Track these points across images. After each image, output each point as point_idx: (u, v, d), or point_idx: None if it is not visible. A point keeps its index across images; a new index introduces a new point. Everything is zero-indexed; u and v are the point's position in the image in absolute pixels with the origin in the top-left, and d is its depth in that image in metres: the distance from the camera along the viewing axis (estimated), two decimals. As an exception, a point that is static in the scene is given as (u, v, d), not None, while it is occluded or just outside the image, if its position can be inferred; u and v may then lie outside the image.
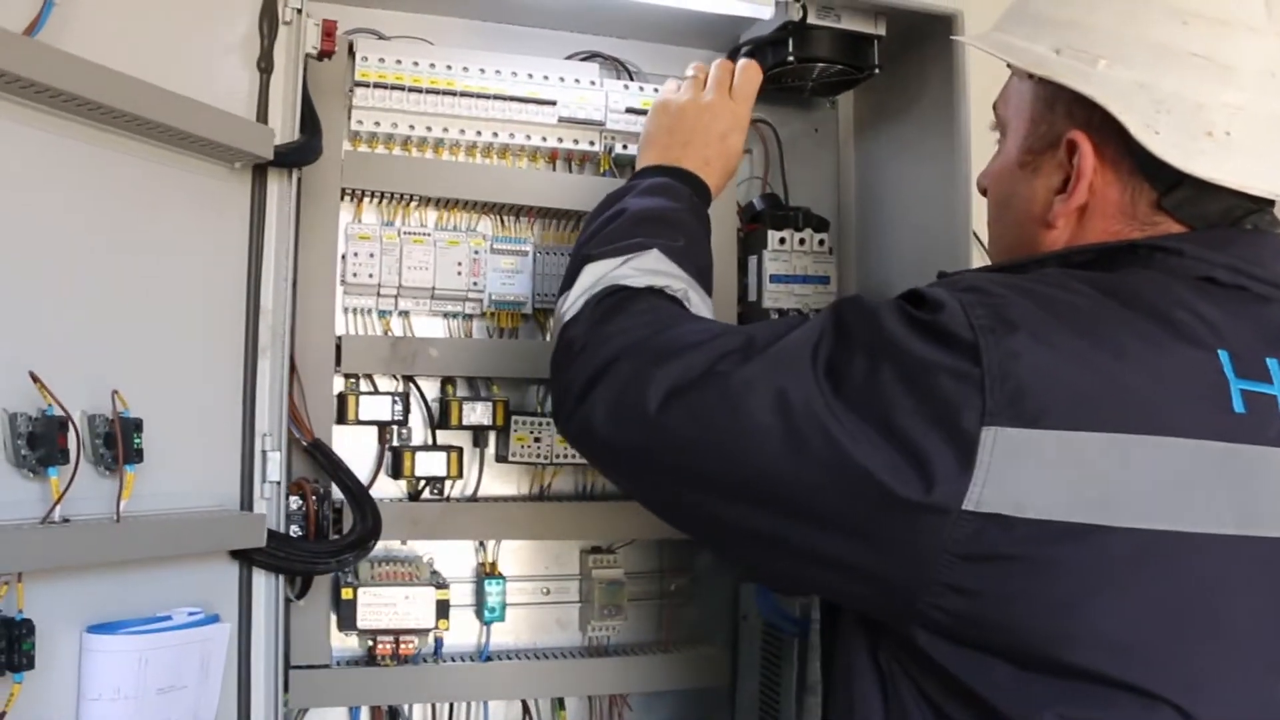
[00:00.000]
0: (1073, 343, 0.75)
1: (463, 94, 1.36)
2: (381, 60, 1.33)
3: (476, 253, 1.39)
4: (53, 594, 0.93)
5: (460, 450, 1.38)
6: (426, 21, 1.44)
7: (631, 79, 1.49)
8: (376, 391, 1.37)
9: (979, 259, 1.35)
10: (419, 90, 1.34)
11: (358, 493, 1.26)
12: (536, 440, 1.40)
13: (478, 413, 1.38)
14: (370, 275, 1.35)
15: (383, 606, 1.31)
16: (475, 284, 1.39)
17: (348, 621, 1.30)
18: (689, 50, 1.53)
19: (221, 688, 1.08)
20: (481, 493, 1.44)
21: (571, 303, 1.00)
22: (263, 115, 1.14)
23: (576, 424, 0.93)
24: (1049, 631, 0.73)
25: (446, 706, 1.40)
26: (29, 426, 0.90)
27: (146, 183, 1.03)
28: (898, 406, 0.75)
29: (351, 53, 1.33)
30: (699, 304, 1.01)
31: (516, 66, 1.38)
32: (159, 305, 1.05)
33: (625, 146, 1.43)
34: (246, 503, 1.13)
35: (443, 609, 1.33)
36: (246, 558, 1.11)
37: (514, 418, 1.40)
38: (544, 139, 1.40)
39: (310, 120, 1.18)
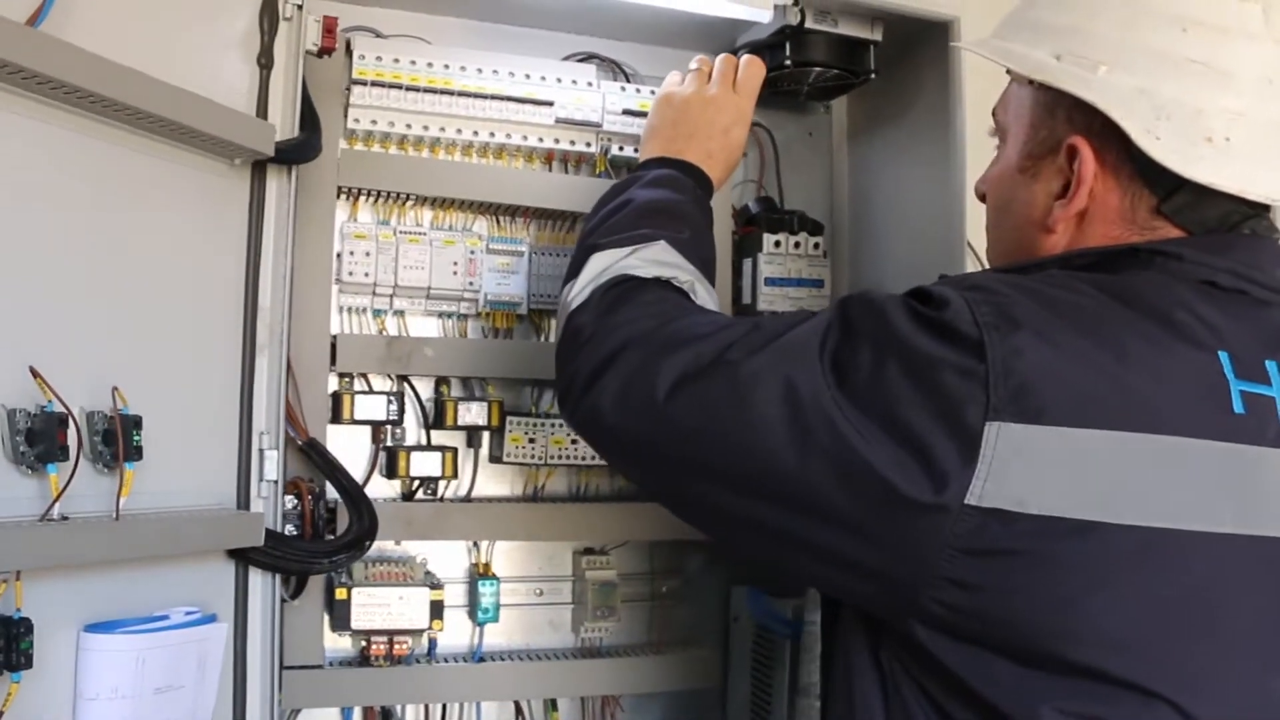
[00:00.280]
0: (1076, 341, 0.76)
1: (460, 93, 1.36)
2: (379, 59, 1.33)
3: (472, 253, 1.39)
4: (50, 592, 0.92)
5: (455, 450, 1.38)
6: (424, 20, 1.43)
7: (628, 81, 1.49)
8: (371, 391, 1.37)
9: (972, 265, 1.35)
10: (416, 89, 1.34)
11: (354, 493, 1.25)
12: (531, 441, 1.40)
13: (473, 413, 1.38)
14: (366, 274, 1.34)
15: (377, 607, 1.31)
16: (471, 284, 1.39)
17: (341, 622, 1.30)
18: (686, 53, 1.51)
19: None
20: (475, 493, 1.44)
21: (578, 291, 1.00)
22: (262, 111, 1.13)
23: (583, 412, 0.93)
24: (1049, 627, 0.74)
25: (439, 707, 1.40)
26: (28, 422, 0.89)
27: (146, 178, 1.03)
28: (902, 401, 0.75)
29: (349, 50, 1.33)
30: (705, 296, 1.02)
31: (514, 67, 1.38)
32: (157, 301, 1.04)
33: (622, 148, 1.44)
34: (243, 501, 1.12)
35: (437, 609, 1.32)
36: (243, 557, 1.11)
37: (509, 418, 1.40)
38: (540, 140, 1.40)
39: (310, 117, 1.18)
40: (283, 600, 1.20)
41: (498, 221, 1.45)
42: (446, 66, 1.35)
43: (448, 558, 1.43)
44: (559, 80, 1.40)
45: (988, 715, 0.76)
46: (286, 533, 1.19)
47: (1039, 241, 0.92)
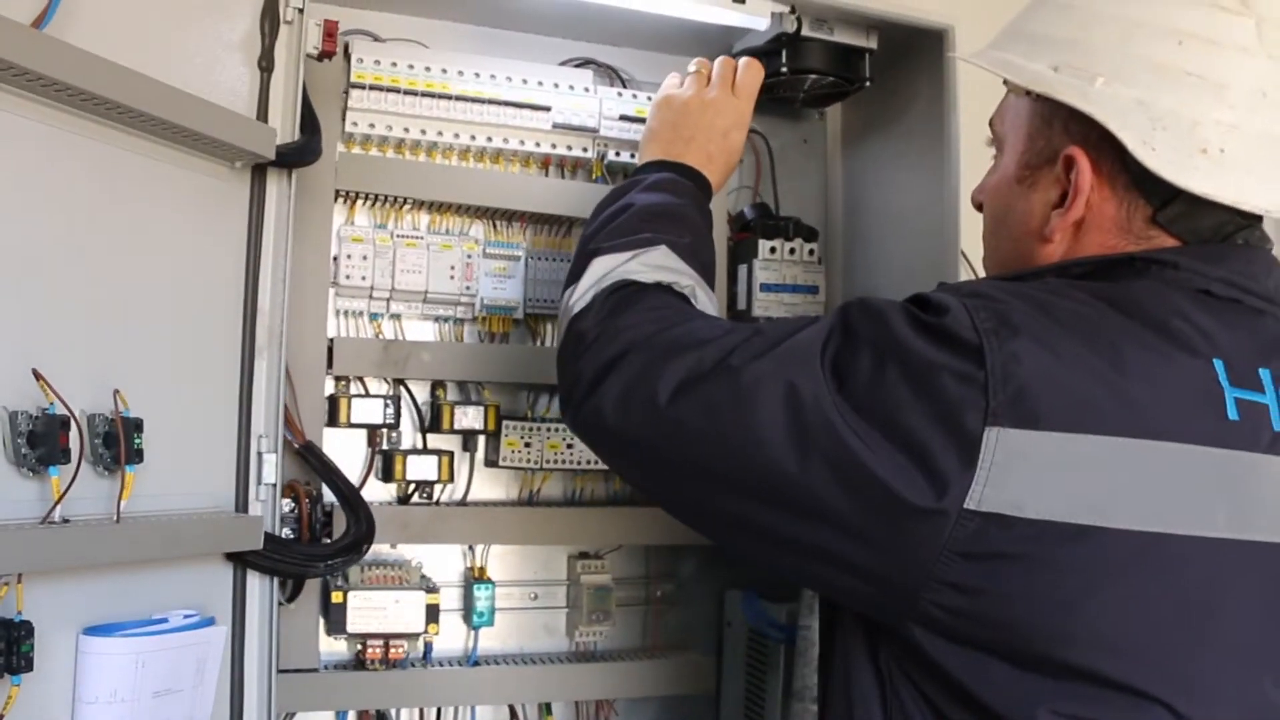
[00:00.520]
0: (1073, 348, 0.77)
1: (458, 98, 1.36)
2: (377, 62, 1.33)
3: (469, 257, 1.39)
4: (50, 595, 0.92)
5: (451, 454, 1.38)
6: (422, 24, 1.44)
7: (625, 86, 1.50)
8: (368, 394, 1.37)
9: (966, 274, 1.36)
10: (414, 93, 1.34)
11: (351, 496, 1.25)
12: (527, 445, 1.40)
13: (469, 417, 1.38)
14: (363, 278, 1.35)
15: (373, 610, 1.31)
16: (467, 288, 1.39)
17: (337, 625, 1.30)
18: (682, 59, 1.52)
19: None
20: (471, 497, 1.44)
21: (579, 295, 1.00)
22: (262, 114, 1.13)
23: (585, 415, 0.93)
24: (1046, 630, 0.75)
25: (434, 711, 1.40)
26: (29, 425, 0.89)
27: (148, 180, 1.02)
28: (902, 406, 0.76)
29: (347, 54, 1.33)
30: (705, 301, 1.02)
31: (511, 71, 1.39)
32: (157, 304, 1.04)
33: (618, 153, 1.44)
34: (241, 504, 1.12)
35: (432, 613, 1.33)
36: (242, 560, 1.11)
37: (505, 422, 1.40)
38: (537, 144, 1.41)
39: (309, 121, 1.18)
40: (279, 603, 1.20)
41: (494, 226, 1.45)
42: (444, 71, 1.36)
43: (443, 561, 1.43)
44: (556, 85, 1.41)
45: (985, 717, 0.77)
46: (284, 536, 1.19)
47: (1036, 250, 0.93)
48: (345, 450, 1.37)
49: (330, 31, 1.19)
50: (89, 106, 0.94)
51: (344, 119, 1.33)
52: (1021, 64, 0.93)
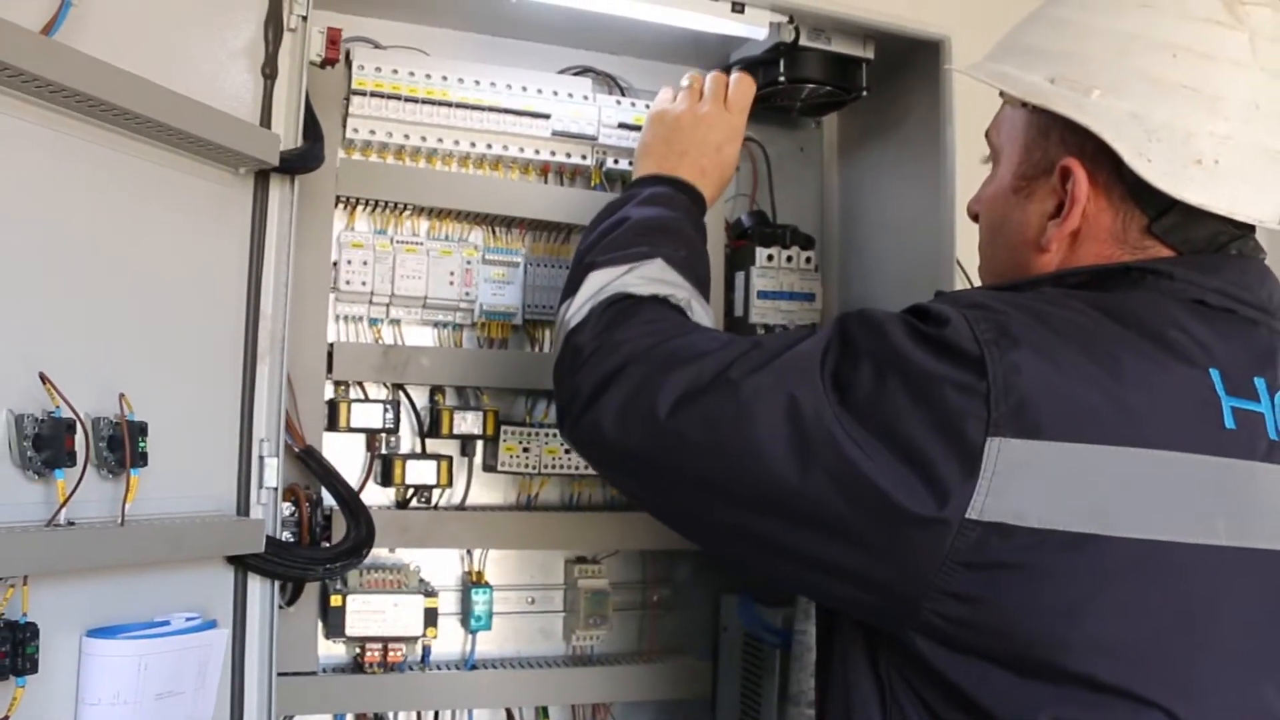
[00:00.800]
0: (1073, 358, 0.78)
1: (458, 105, 1.37)
2: (378, 69, 1.34)
3: (468, 263, 1.40)
4: (54, 597, 0.92)
5: (450, 459, 1.39)
6: (423, 32, 1.45)
7: (624, 95, 1.51)
8: (367, 399, 1.38)
9: (961, 283, 1.38)
10: (414, 100, 1.35)
11: (351, 500, 1.26)
12: (525, 450, 1.41)
13: (468, 422, 1.39)
14: (363, 283, 1.35)
15: (371, 614, 1.32)
16: (467, 294, 1.40)
17: (336, 629, 1.30)
18: (681, 67, 1.54)
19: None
20: (469, 502, 1.45)
21: (576, 309, 1.01)
22: (266, 121, 1.14)
23: (584, 428, 0.94)
24: (1047, 638, 0.76)
25: (432, 715, 1.40)
26: (35, 428, 0.89)
27: (153, 186, 1.03)
28: (903, 416, 0.77)
29: (348, 61, 1.34)
30: (701, 313, 1.03)
31: (511, 79, 1.40)
32: (161, 308, 1.05)
33: (617, 161, 1.45)
34: (243, 508, 1.13)
35: (431, 617, 1.34)
36: (243, 563, 1.11)
37: (503, 427, 1.41)
38: (536, 152, 1.42)
39: (312, 127, 1.19)
40: (279, 607, 1.20)
41: (494, 232, 1.46)
42: (445, 78, 1.37)
43: (441, 565, 1.44)
44: (555, 93, 1.42)
45: None
46: (284, 539, 1.20)
47: (1033, 260, 0.94)
48: (345, 455, 1.37)
49: (334, 39, 1.20)
50: (96, 112, 0.94)
51: (345, 125, 1.34)
52: (1018, 76, 0.94)
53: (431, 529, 1.37)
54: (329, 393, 1.35)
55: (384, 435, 1.39)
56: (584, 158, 1.44)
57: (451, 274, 1.39)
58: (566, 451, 1.42)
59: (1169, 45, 0.87)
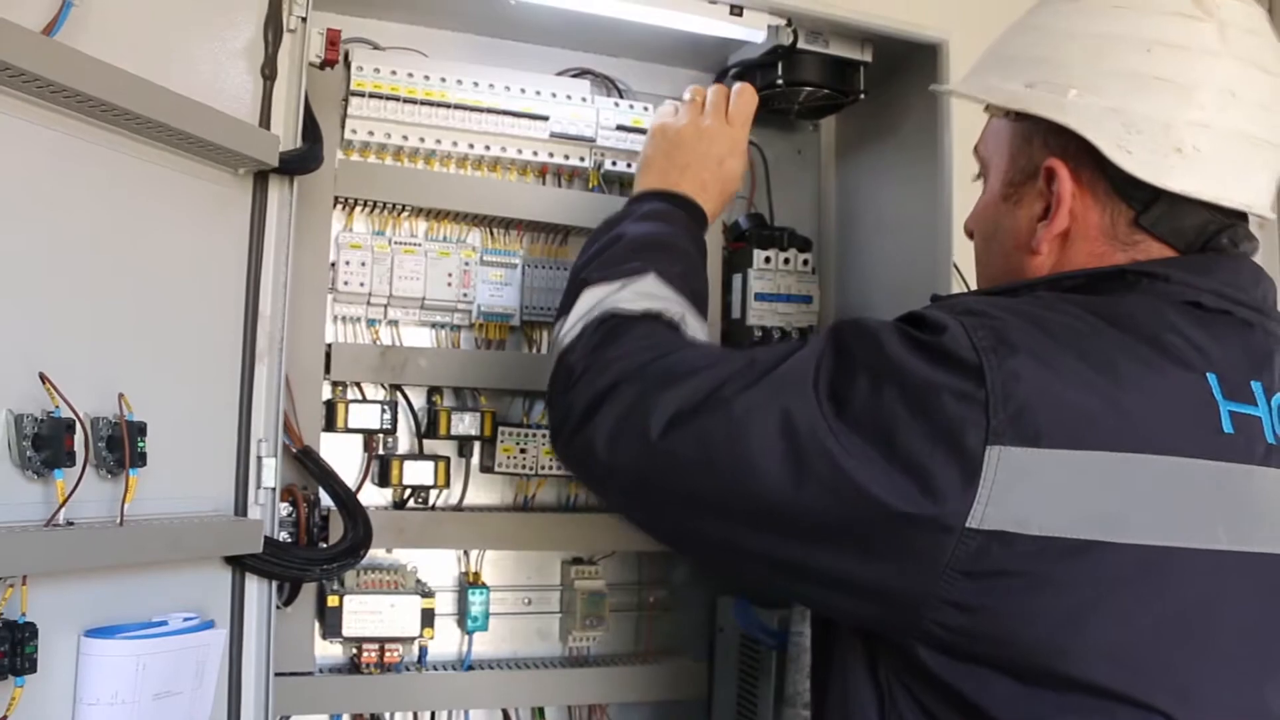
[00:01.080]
0: (1072, 365, 0.78)
1: (456, 106, 1.38)
2: (377, 70, 1.34)
3: (466, 264, 1.41)
4: (53, 597, 0.92)
5: (447, 460, 1.39)
6: (422, 33, 1.45)
7: (622, 97, 1.51)
8: (365, 400, 1.38)
9: (958, 285, 1.38)
10: (413, 101, 1.36)
11: (348, 501, 1.26)
12: (522, 451, 1.41)
13: (466, 423, 1.39)
14: (361, 284, 1.36)
15: (368, 614, 1.32)
16: (464, 295, 1.40)
17: (333, 629, 1.31)
18: (678, 70, 1.56)
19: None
20: (466, 503, 1.45)
21: (569, 327, 1.00)
22: (265, 122, 1.14)
23: (578, 448, 0.93)
24: (1049, 645, 0.76)
25: (428, 715, 1.41)
26: (35, 428, 0.90)
27: (153, 186, 1.03)
28: (901, 426, 0.77)
29: (347, 62, 1.34)
30: (695, 328, 1.02)
31: (509, 81, 1.40)
32: (160, 308, 1.05)
33: (615, 163, 1.46)
34: (240, 508, 1.13)
35: (428, 617, 1.34)
36: (240, 564, 1.11)
37: (500, 429, 1.41)
38: (535, 153, 1.42)
39: (311, 128, 1.19)
40: (277, 607, 1.21)
41: (492, 234, 1.46)
42: (443, 79, 1.37)
43: (438, 566, 1.44)
44: (554, 95, 1.42)
45: None
46: (281, 540, 1.20)
47: (1026, 264, 0.95)
48: (342, 455, 1.38)
49: (333, 40, 1.20)
50: (97, 113, 0.94)
51: (343, 126, 1.34)
52: (997, 85, 0.96)
53: (428, 530, 1.38)
54: (327, 393, 1.36)
55: (381, 436, 1.39)
56: (582, 159, 1.45)
57: (449, 275, 1.39)
58: (564, 453, 1.42)
59: (1142, 41, 0.88)
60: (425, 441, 1.42)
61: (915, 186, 1.46)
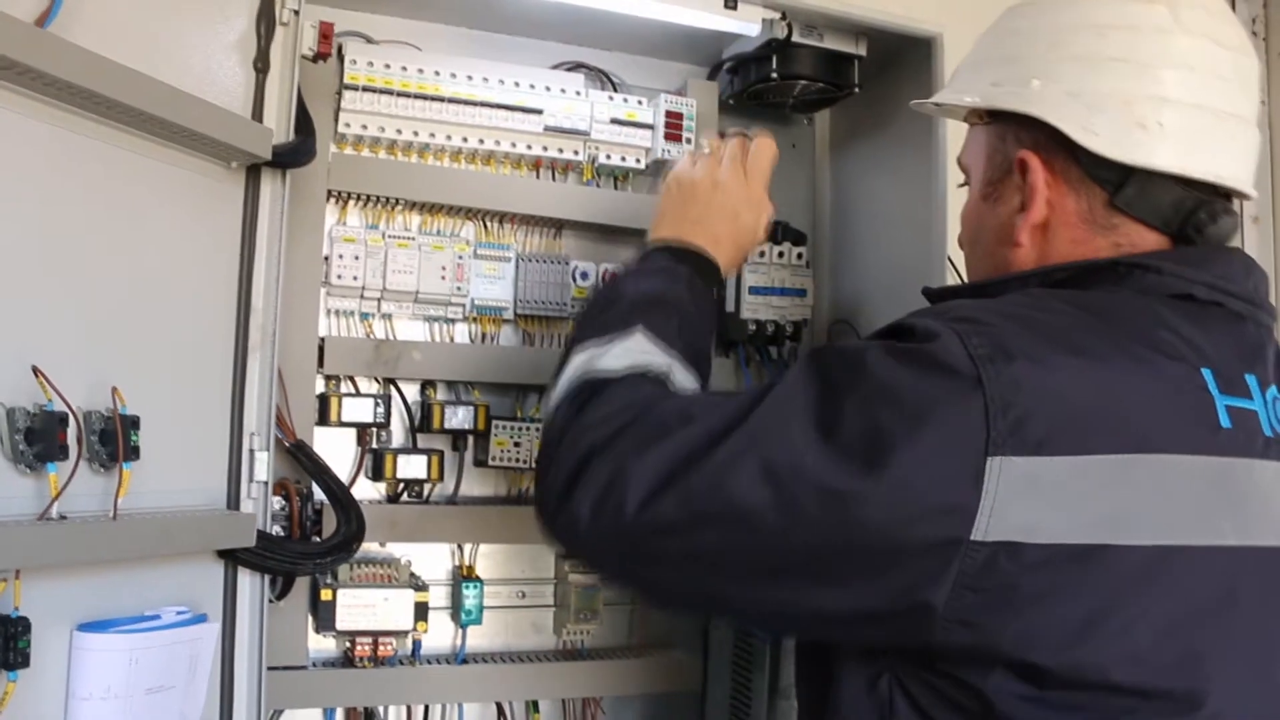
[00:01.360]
0: (1069, 368, 0.77)
1: (450, 100, 1.37)
2: (370, 64, 1.34)
3: (460, 257, 1.40)
4: (46, 591, 0.92)
5: (441, 453, 1.39)
6: (415, 27, 1.45)
7: (616, 90, 1.51)
8: (358, 394, 1.38)
9: (952, 279, 1.38)
10: (407, 95, 1.35)
11: (341, 495, 1.26)
12: (516, 445, 1.41)
13: (459, 416, 1.39)
14: (354, 278, 1.35)
15: (362, 608, 1.31)
16: (458, 288, 1.40)
17: (326, 623, 1.30)
18: (673, 64, 1.56)
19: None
20: (460, 496, 1.45)
21: (555, 396, 0.97)
22: (258, 115, 1.14)
23: (562, 526, 0.88)
24: (1064, 653, 0.74)
25: (422, 708, 1.41)
26: (27, 421, 0.90)
27: (146, 179, 1.03)
28: (897, 446, 0.75)
29: (340, 56, 1.34)
30: (683, 379, 0.97)
31: (503, 74, 1.40)
32: (153, 302, 1.05)
33: (609, 156, 1.46)
34: (233, 502, 1.13)
35: (421, 611, 1.34)
36: (233, 557, 1.11)
37: (494, 422, 1.41)
38: (529, 147, 1.42)
39: (304, 122, 1.19)
40: (269, 601, 1.21)
41: (485, 227, 1.46)
42: (437, 73, 1.37)
43: (432, 560, 1.44)
44: (548, 88, 1.42)
45: None
46: (274, 534, 1.20)
47: (1010, 257, 0.95)
48: (335, 449, 1.38)
49: (326, 33, 1.20)
50: (90, 105, 0.94)
51: (337, 120, 1.34)
52: (966, 89, 0.99)
53: (422, 523, 1.38)
54: (320, 387, 1.35)
55: (375, 430, 1.39)
56: (576, 153, 1.44)
57: (443, 269, 1.39)
58: (557, 446, 1.42)
59: (1095, 26, 0.90)
60: (419, 435, 1.42)
61: (909, 180, 1.45)
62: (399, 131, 1.36)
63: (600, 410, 0.90)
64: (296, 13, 1.16)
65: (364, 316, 1.40)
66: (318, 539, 1.26)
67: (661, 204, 1.20)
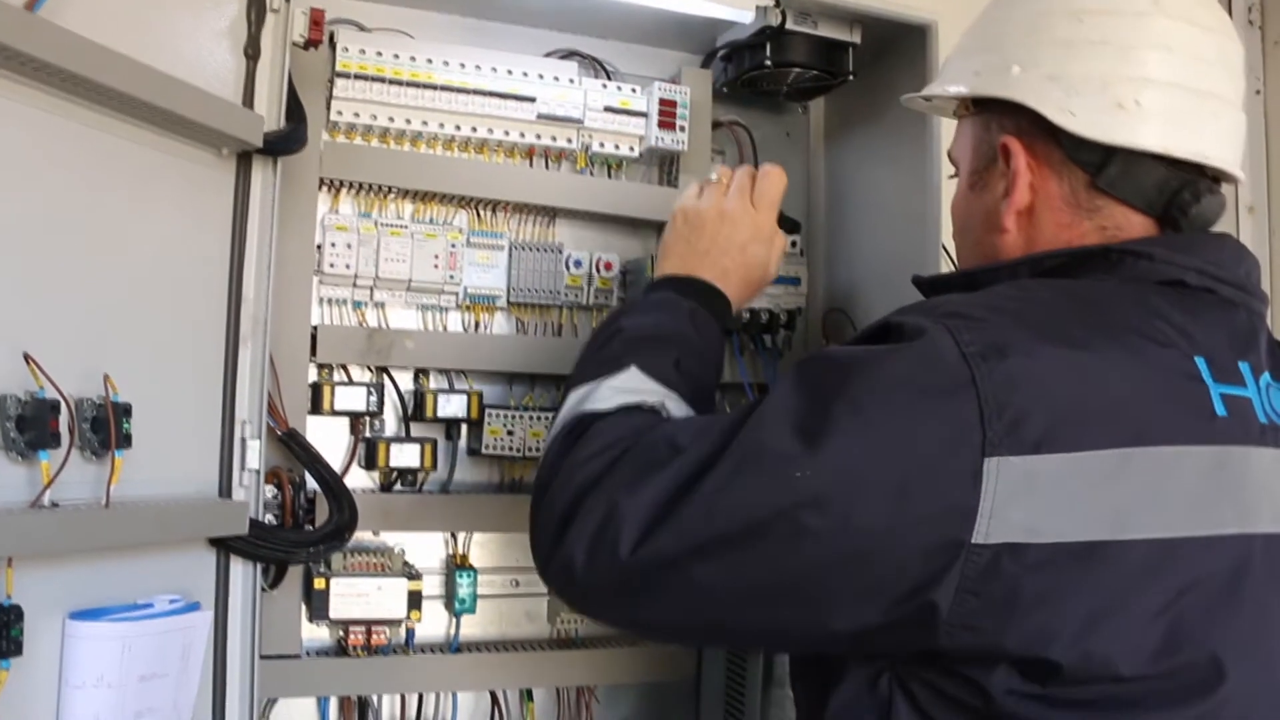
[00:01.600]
0: (1063, 363, 0.76)
1: (442, 88, 1.37)
2: (362, 52, 1.33)
3: (453, 246, 1.40)
4: (38, 579, 0.92)
5: (434, 442, 1.39)
6: (407, 15, 1.44)
7: (610, 78, 1.51)
8: (351, 382, 1.37)
9: (946, 267, 1.38)
10: (399, 83, 1.35)
11: (334, 484, 1.26)
12: (509, 433, 1.41)
13: (452, 405, 1.39)
14: (347, 266, 1.35)
15: (355, 597, 1.31)
16: (451, 277, 1.40)
17: (319, 611, 1.30)
18: (666, 51, 1.56)
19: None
20: (453, 485, 1.44)
21: (550, 435, 0.96)
22: (248, 102, 1.13)
23: (555, 569, 0.86)
24: (1068, 648, 0.73)
25: (415, 697, 1.41)
26: (18, 409, 0.89)
27: (136, 167, 1.03)
28: (892, 450, 0.74)
29: (332, 43, 1.33)
30: (677, 410, 0.96)
31: (496, 62, 1.39)
32: (143, 289, 1.04)
33: (602, 144, 1.45)
34: (225, 490, 1.13)
35: (414, 600, 1.34)
36: (225, 546, 1.11)
37: (488, 410, 1.41)
38: (522, 135, 1.42)
39: (295, 109, 1.18)
40: (262, 590, 1.20)
41: (478, 215, 1.46)
42: (429, 61, 1.36)
43: (425, 548, 1.44)
44: (541, 76, 1.41)
45: None
46: (267, 522, 1.20)
47: (998, 244, 0.95)
48: (328, 438, 1.37)
49: (316, 20, 1.19)
50: (81, 91, 0.94)
51: (329, 108, 1.34)
52: (949, 79, 1.00)
53: (415, 512, 1.37)
54: (313, 376, 1.35)
55: (368, 418, 1.39)
56: (569, 141, 1.44)
57: (436, 257, 1.38)
58: (551, 434, 1.42)
59: (1074, 12, 0.91)
60: (412, 424, 1.42)
61: (904, 168, 1.45)
62: (391, 119, 1.35)
63: (591, 446, 0.88)
64: (287, 0, 1.15)
65: (357, 305, 1.39)
66: (310, 528, 1.25)
67: (667, 237, 1.18)
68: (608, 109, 1.44)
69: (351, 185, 1.38)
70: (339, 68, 1.32)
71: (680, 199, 1.20)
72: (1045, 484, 0.73)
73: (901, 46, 1.44)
